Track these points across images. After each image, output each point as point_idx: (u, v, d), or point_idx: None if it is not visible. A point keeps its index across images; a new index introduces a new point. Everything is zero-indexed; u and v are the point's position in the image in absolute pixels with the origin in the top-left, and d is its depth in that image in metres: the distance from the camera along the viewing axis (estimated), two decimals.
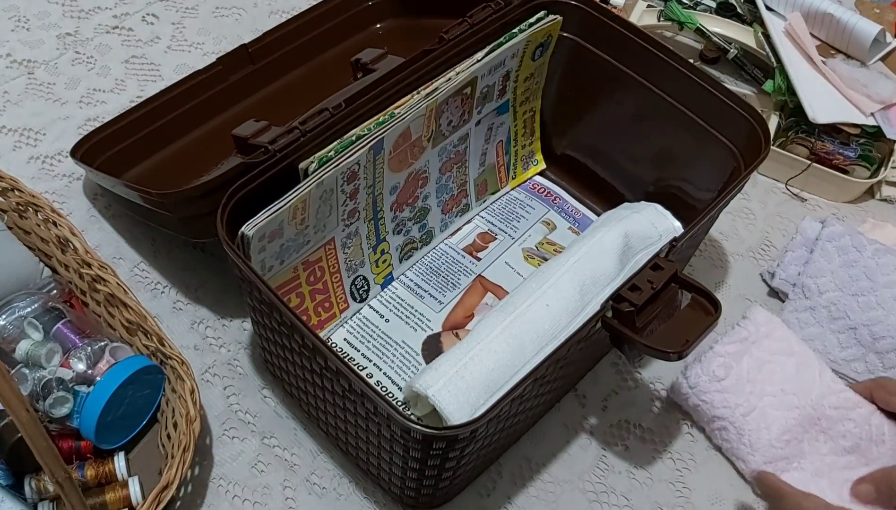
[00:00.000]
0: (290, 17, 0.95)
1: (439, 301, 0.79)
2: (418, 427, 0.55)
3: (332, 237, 0.73)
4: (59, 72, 0.96)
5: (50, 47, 0.98)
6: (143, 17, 1.03)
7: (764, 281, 0.87)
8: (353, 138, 0.68)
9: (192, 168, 0.82)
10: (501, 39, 0.75)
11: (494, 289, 0.80)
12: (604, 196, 0.87)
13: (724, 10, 1.03)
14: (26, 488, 0.64)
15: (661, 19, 1.00)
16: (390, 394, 0.72)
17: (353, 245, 0.75)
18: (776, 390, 0.73)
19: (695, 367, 0.74)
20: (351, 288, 0.77)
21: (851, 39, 0.95)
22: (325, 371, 0.60)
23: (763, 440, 0.71)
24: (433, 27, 0.77)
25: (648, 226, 0.72)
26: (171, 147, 0.87)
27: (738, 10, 1.02)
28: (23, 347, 0.70)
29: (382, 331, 0.77)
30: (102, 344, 0.70)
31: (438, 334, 0.77)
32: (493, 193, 0.88)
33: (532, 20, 0.77)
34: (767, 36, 0.97)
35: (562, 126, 0.89)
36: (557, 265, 0.68)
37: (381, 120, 0.69)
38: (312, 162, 0.66)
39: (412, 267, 0.82)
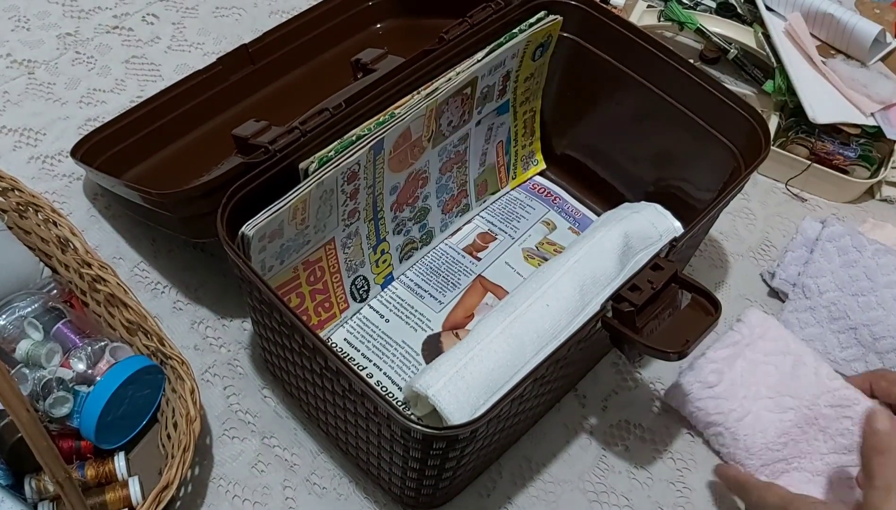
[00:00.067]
0: (290, 17, 0.95)
1: (439, 301, 0.79)
2: (418, 427, 0.55)
3: (333, 237, 0.73)
4: (59, 72, 0.96)
5: (50, 47, 0.98)
6: (143, 17, 1.03)
7: (764, 281, 0.87)
8: (354, 138, 0.68)
9: (192, 168, 0.82)
10: (501, 39, 0.75)
11: (494, 290, 0.80)
12: (604, 196, 0.87)
13: (724, 11, 1.03)
14: (26, 488, 0.64)
15: (662, 19, 1.00)
16: (390, 394, 0.72)
17: (353, 245, 0.75)
18: (771, 392, 0.73)
19: (687, 375, 0.74)
20: (351, 288, 0.77)
21: (851, 39, 0.95)
22: (326, 371, 0.60)
23: (759, 444, 0.71)
24: (433, 27, 0.77)
25: (648, 226, 0.72)
26: (171, 147, 0.87)
27: (738, 10, 1.02)
28: (23, 347, 0.70)
29: (382, 332, 0.77)
30: (102, 344, 0.70)
31: (438, 334, 0.77)
32: (493, 193, 0.88)
33: (532, 20, 0.77)
34: (767, 36, 0.97)
35: (562, 126, 0.89)
36: (557, 265, 0.68)
37: (381, 120, 0.69)
38: (312, 162, 0.66)
39: (412, 267, 0.82)
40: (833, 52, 0.98)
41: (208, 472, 0.71)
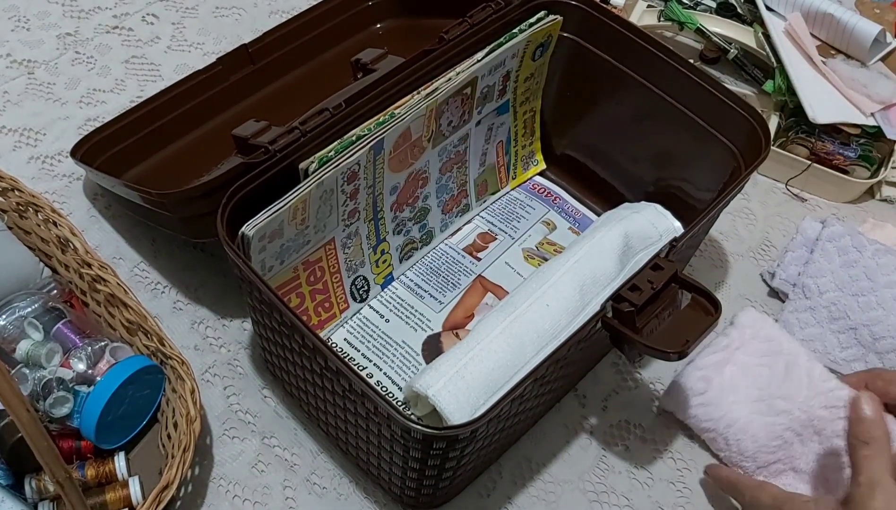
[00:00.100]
0: (290, 17, 0.94)
1: (439, 301, 0.79)
2: (418, 427, 0.55)
3: (333, 237, 0.73)
4: (59, 72, 0.96)
5: (50, 47, 0.98)
6: (143, 17, 1.03)
7: (764, 281, 0.87)
8: (354, 138, 0.68)
9: (192, 168, 0.82)
10: (501, 39, 0.75)
11: (494, 290, 0.80)
12: (604, 196, 0.87)
13: (724, 10, 1.03)
14: (26, 488, 0.64)
15: (662, 19, 1.00)
16: (390, 394, 0.72)
17: (353, 245, 0.75)
18: (764, 395, 0.72)
19: (677, 381, 0.74)
20: (351, 288, 0.77)
21: (851, 39, 0.95)
22: (326, 371, 0.60)
23: (751, 448, 0.71)
24: (433, 27, 0.77)
25: (648, 226, 0.72)
26: (171, 147, 0.87)
27: (738, 10, 1.02)
28: (23, 347, 0.70)
29: (382, 332, 0.77)
30: (102, 344, 0.70)
31: (438, 334, 0.77)
32: (493, 193, 0.88)
33: (532, 20, 0.77)
34: (767, 36, 0.97)
35: (562, 126, 0.89)
36: (557, 265, 0.68)
37: (381, 120, 0.69)
38: (312, 162, 0.66)
39: (412, 267, 0.82)
40: (833, 52, 0.98)
41: (208, 472, 0.71)
